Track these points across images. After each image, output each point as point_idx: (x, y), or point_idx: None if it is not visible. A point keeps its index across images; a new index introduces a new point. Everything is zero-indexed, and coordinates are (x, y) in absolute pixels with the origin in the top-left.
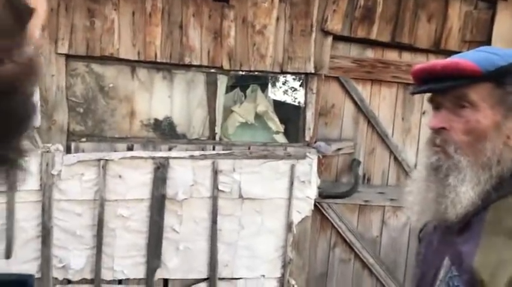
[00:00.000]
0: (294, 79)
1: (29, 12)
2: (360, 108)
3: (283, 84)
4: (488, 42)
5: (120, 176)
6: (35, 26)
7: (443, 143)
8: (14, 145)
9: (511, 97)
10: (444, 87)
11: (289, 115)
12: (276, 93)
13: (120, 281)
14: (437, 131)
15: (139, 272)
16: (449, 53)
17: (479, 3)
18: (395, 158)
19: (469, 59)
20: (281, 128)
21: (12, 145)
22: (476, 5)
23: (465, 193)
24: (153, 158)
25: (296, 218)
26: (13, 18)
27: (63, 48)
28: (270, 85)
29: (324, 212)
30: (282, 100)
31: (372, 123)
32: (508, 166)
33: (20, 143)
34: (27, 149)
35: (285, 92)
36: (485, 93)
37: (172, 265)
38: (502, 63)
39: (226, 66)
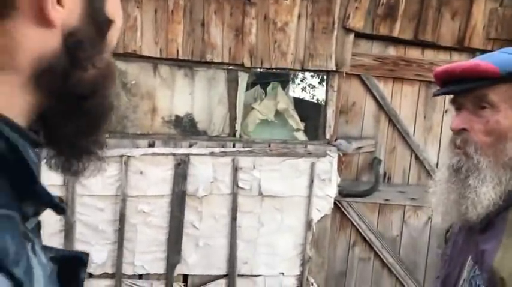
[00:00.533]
0: (312, 76)
1: (109, 24)
2: (381, 106)
3: (302, 81)
4: None
5: (141, 172)
6: (113, 36)
7: (464, 144)
8: (95, 139)
9: None
10: (463, 88)
11: (309, 113)
12: (295, 90)
13: (140, 276)
14: (458, 132)
15: (160, 268)
16: (473, 51)
17: (504, 0)
18: (417, 157)
19: (489, 60)
20: (301, 125)
21: (93, 139)
22: (502, 2)
23: (486, 193)
24: (174, 154)
25: (316, 216)
26: (95, 30)
27: None
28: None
29: (344, 211)
30: (301, 97)
31: (393, 121)
32: None
33: (100, 137)
34: (104, 142)
35: (303, 89)
36: (506, 94)
37: (192, 261)
38: None
39: (247, 63)
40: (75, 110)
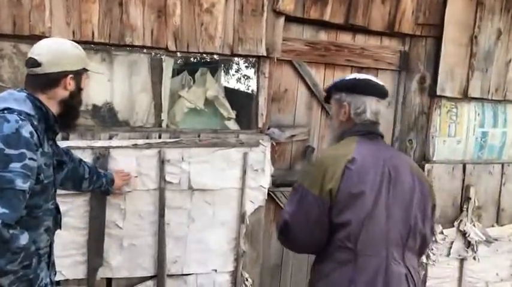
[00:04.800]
0: (246, 67)
1: (81, 89)
2: (314, 93)
3: (236, 72)
4: (441, 24)
5: None
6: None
7: None
8: (75, 121)
9: None
10: None
11: (242, 101)
12: (230, 81)
13: (58, 283)
14: None
15: (79, 272)
16: (403, 36)
17: None
18: None
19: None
20: (233, 114)
21: (75, 121)
22: None
23: None
24: (91, 147)
25: (249, 208)
26: (77, 91)
27: None
28: (222, 72)
29: (278, 201)
30: (234, 87)
31: (325, 108)
32: None
33: (76, 121)
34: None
35: (238, 80)
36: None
37: (115, 263)
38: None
39: (171, 47)
40: (70, 111)
